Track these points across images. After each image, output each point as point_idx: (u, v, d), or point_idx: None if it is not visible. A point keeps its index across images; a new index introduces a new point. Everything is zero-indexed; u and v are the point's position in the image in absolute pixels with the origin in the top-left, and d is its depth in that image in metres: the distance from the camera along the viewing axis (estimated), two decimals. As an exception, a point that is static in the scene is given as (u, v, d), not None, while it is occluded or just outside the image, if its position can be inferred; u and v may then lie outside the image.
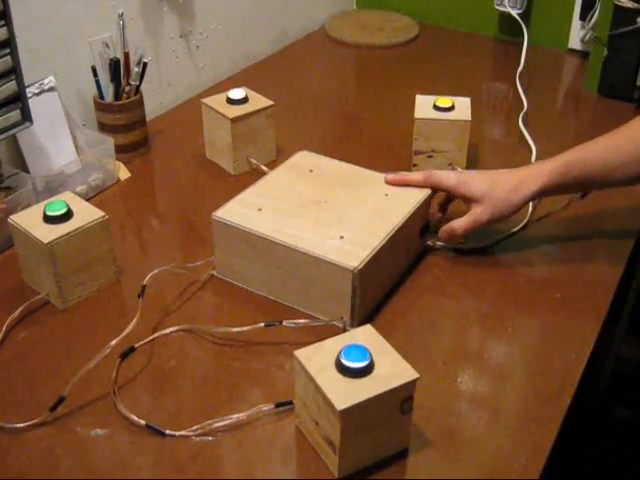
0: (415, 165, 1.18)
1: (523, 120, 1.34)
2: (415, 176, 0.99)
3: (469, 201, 0.97)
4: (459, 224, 0.97)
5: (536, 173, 0.96)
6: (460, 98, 1.18)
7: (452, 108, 1.16)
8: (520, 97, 1.42)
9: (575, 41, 1.65)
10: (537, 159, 1.20)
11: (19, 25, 0.96)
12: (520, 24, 1.60)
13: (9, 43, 0.95)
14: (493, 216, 0.96)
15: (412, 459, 0.74)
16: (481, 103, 1.45)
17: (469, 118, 1.14)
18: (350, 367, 0.68)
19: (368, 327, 0.75)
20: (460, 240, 1.01)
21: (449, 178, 0.98)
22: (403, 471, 0.73)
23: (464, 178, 0.97)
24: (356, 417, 0.67)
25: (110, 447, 0.75)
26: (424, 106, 1.17)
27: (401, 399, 0.69)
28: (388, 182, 0.99)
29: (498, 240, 1.04)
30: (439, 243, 1.02)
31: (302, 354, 0.71)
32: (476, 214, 0.96)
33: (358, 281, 0.84)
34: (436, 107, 1.16)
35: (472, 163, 1.19)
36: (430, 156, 1.17)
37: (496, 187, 0.95)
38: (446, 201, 1.04)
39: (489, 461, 0.74)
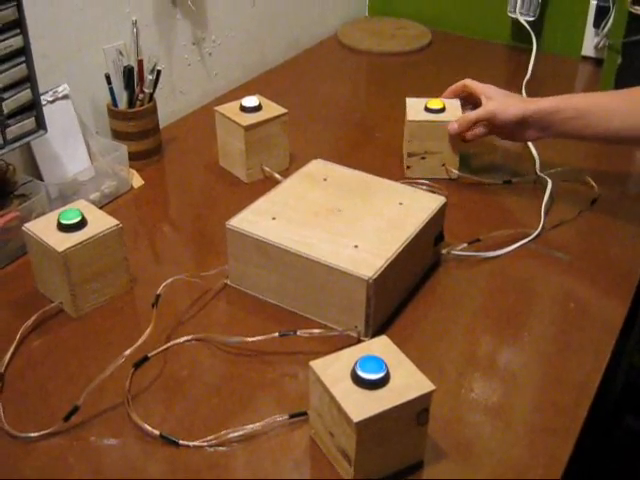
0: (409, 167, 1.19)
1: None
2: (457, 83, 1.20)
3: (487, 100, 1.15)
4: (472, 114, 1.14)
5: (543, 99, 1.10)
6: (450, 100, 1.20)
7: (443, 109, 1.17)
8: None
9: (589, 48, 1.64)
10: (541, 169, 1.20)
11: (33, 33, 0.96)
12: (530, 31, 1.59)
13: (24, 51, 0.95)
14: (500, 113, 1.10)
15: (427, 471, 0.73)
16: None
17: None
18: (366, 378, 0.68)
19: (384, 338, 0.74)
20: (466, 130, 1.14)
21: (478, 84, 1.17)
22: (418, 483, 0.73)
23: (488, 87, 1.16)
24: (372, 429, 0.66)
25: (123, 457, 0.75)
26: (415, 108, 1.18)
27: (417, 411, 0.69)
28: (453, 133, 1.15)
29: (511, 249, 1.03)
30: (453, 252, 1.01)
31: (318, 365, 0.70)
32: (487, 107, 1.13)
33: (373, 291, 0.83)
34: (427, 109, 1.17)
35: (466, 166, 1.20)
36: (423, 157, 1.18)
37: (510, 95, 1.15)
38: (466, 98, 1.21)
39: (505, 473, 0.73)
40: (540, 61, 1.59)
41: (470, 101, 1.20)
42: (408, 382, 0.69)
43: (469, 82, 1.19)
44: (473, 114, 1.14)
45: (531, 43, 1.61)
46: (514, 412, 0.80)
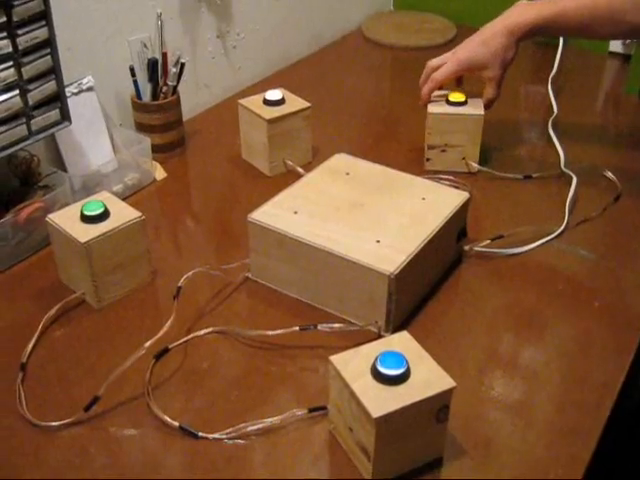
0: (428, 160, 1.19)
1: (553, 124, 1.33)
2: (426, 87, 1.18)
3: (481, 70, 1.16)
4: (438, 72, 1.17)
5: (513, 29, 1.11)
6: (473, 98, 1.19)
7: (465, 103, 1.16)
8: (551, 101, 1.41)
9: (616, 44, 1.62)
10: (565, 165, 1.19)
11: (59, 25, 0.97)
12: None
13: (50, 43, 0.96)
14: (468, 57, 1.14)
15: (446, 468, 0.73)
16: (513, 105, 1.43)
17: (482, 112, 1.15)
18: (386, 374, 0.67)
19: (405, 333, 0.74)
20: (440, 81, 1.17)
21: (448, 71, 1.16)
22: (437, 480, 0.73)
23: (459, 59, 1.16)
24: (391, 425, 0.66)
25: (143, 447, 0.75)
26: (437, 101, 1.18)
27: (437, 407, 0.68)
28: (424, 96, 1.17)
29: (535, 246, 1.02)
30: (476, 249, 1.00)
31: (338, 360, 0.70)
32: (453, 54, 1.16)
33: (394, 286, 0.83)
34: (448, 102, 1.17)
35: (486, 160, 1.20)
36: (444, 150, 1.18)
37: (471, 40, 1.15)
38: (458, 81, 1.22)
39: (524, 471, 0.73)
40: (567, 57, 1.57)
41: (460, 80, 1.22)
42: (429, 378, 0.68)
43: (439, 76, 1.17)
44: (439, 73, 1.16)
45: (557, 38, 1.59)
46: (535, 411, 0.80)
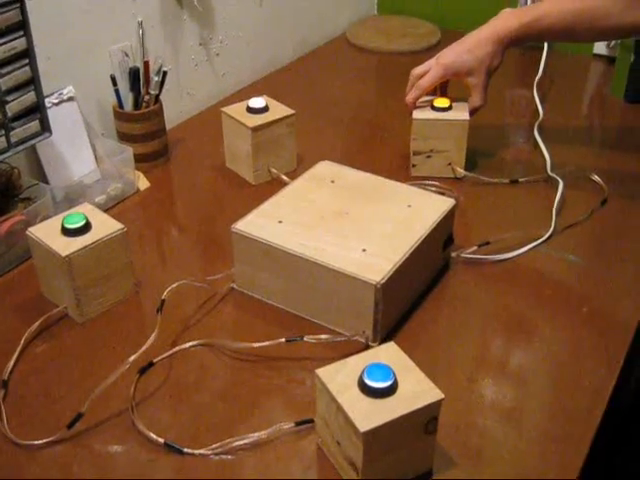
0: (414, 165, 1.18)
1: (539, 128, 1.33)
2: (411, 95, 1.17)
3: (465, 78, 1.15)
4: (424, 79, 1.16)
5: (499, 37, 1.11)
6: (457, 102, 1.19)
7: (450, 108, 1.16)
8: (537, 105, 1.41)
9: (601, 46, 1.62)
10: (552, 169, 1.19)
11: (38, 35, 0.96)
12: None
13: (28, 53, 0.94)
14: (453, 62, 1.14)
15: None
16: (498, 110, 1.43)
17: (467, 117, 1.14)
18: (373, 387, 0.66)
19: (391, 344, 0.73)
20: (424, 90, 1.16)
21: (432, 78, 1.15)
22: (427, 493, 0.71)
23: (443, 65, 1.15)
24: (379, 438, 0.65)
25: (128, 464, 0.74)
26: (422, 106, 1.17)
27: (426, 420, 0.67)
28: (409, 103, 1.16)
29: (523, 252, 1.01)
30: (463, 255, 1.00)
31: (324, 373, 0.69)
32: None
33: (381, 295, 0.82)
34: (434, 107, 1.16)
35: (472, 165, 1.19)
36: (429, 156, 1.17)
37: (456, 46, 1.15)
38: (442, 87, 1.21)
39: (516, 482, 0.72)
40: (551, 60, 1.57)
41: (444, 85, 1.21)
42: (416, 390, 0.67)
43: (424, 84, 1.16)
44: (425, 80, 1.15)
45: (542, 42, 1.58)
46: (525, 419, 0.79)
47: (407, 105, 1.17)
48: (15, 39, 0.92)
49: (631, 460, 1.37)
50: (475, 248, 1.00)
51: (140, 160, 1.18)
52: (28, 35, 0.93)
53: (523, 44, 1.14)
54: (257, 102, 1.16)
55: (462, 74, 1.14)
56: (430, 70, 1.15)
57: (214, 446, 0.74)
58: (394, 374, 0.67)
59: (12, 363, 0.84)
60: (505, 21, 1.11)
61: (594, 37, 1.18)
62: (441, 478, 0.72)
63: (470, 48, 1.13)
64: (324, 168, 1.04)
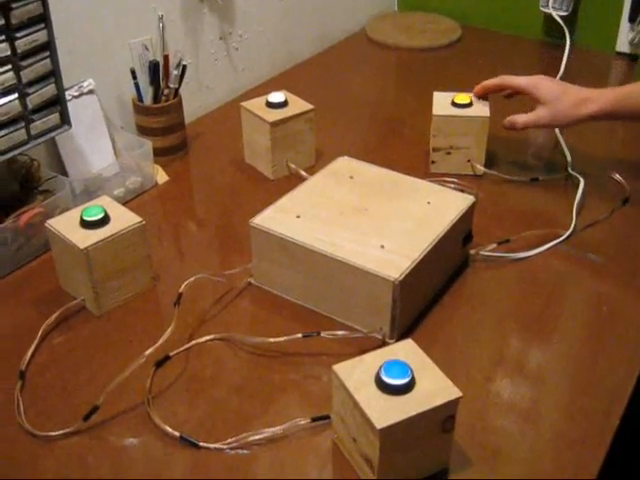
0: (433, 162, 1.17)
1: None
2: (491, 80, 1.16)
3: (536, 101, 1.11)
4: (522, 119, 1.13)
5: (600, 97, 1.07)
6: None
7: (470, 104, 1.15)
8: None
9: (623, 43, 1.60)
10: (572, 167, 1.18)
11: (59, 28, 0.96)
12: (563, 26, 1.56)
13: (49, 46, 0.95)
14: (552, 122, 1.11)
15: (453, 479, 0.71)
16: (519, 107, 1.41)
17: (488, 114, 1.13)
18: (390, 384, 0.66)
19: (409, 341, 0.72)
20: (518, 130, 1.14)
21: (520, 79, 1.13)
22: (443, 491, 0.71)
23: (534, 81, 1.12)
24: (396, 436, 0.65)
25: (143, 457, 0.74)
26: (442, 103, 1.17)
27: (442, 418, 0.67)
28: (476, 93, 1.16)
29: (542, 250, 1.01)
30: (482, 253, 0.99)
31: (341, 369, 0.69)
32: (538, 115, 1.11)
33: (399, 292, 0.82)
34: (454, 104, 1.15)
35: (491, 163, 1.18)
36: (449, 153, 1.16)
37: (563, 97, 1.09)
38: (510, 95, 1.20)
39: (533, 483, 0.72)
40: (573, 57, 1.55)
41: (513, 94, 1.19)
42: (434, 388, 0.67)
43: (508, 80, 1.15)
44: (522, 123, 1.13)
45: (564, 39, 1.57)
46: (542, 419, 0.78)
47: (479, 86, 1.17)
48: (36, 31, 0.92)
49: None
50: (494, 246, 1.00)
51: (159, 154, 1.18)
52: (49, 28, 0.93)
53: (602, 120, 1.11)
54: (276, 97, 1.16)
55: (539, 99, 1.11)
56: (536, 110, 1.12)
57: (229, 440, 0.74)
58: (412, 371, 0.67)
59: (29, 354, 0.84)
60: (600, 96, 1.08)
61: None
62: (457, 478, 0.71)
63: (576, 102, 1.09)
64: (343, 164, 1.03)
